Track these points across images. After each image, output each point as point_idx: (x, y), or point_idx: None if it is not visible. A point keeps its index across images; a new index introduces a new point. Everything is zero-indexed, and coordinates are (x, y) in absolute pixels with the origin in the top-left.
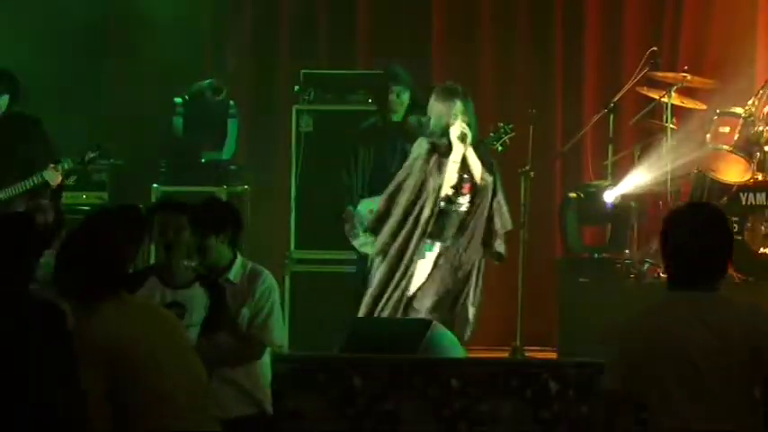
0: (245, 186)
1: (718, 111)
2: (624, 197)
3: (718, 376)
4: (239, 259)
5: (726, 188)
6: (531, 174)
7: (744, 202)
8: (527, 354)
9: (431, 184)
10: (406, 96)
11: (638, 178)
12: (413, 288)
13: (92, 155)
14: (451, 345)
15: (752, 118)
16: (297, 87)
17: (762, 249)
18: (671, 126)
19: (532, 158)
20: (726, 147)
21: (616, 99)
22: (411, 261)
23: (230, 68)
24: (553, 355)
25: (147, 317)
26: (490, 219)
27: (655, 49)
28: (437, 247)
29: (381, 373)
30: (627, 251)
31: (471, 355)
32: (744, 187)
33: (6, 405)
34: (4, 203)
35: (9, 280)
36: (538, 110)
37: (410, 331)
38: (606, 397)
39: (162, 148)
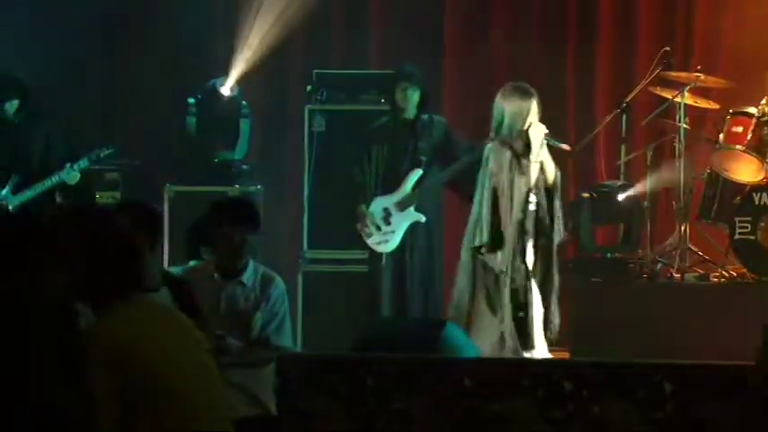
0: (258, 186)
1: (731, 110)
2: (637, 197)
3: None
4: (251, 262)
5: (739, 188)
6: None
7: (757, 202)
8: None
9: (517, 186)
10: (415, 95)
11: (651, 179)
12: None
13: (106, 151)
14: (465, 344)
15: (765, 117)
16: (309, 87)
17: None
18: (684, 126)
19: None
20: (739, 147)
21: (629, 99)
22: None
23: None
24: (566, 355)
25: (159, 318)
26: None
27: (667, 48)
28: (532, 248)
29: (393, 373)
30: (640, 251)
31: (484, 356)
32: (757, 187)
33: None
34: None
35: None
36: (550, 110)
37: (424, 331)
38: None
39: (175, 147)
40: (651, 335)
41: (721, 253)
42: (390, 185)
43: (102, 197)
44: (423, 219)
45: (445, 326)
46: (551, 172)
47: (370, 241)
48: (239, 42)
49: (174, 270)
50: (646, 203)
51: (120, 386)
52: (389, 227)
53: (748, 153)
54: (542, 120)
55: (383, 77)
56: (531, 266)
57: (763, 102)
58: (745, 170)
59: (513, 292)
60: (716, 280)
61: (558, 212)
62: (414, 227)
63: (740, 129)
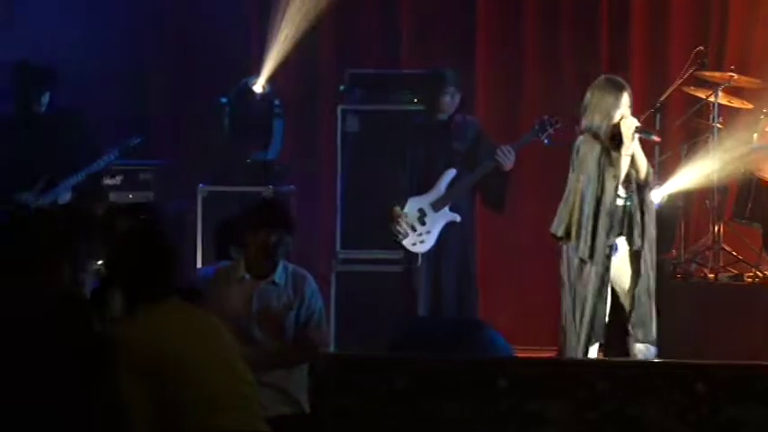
0: (291, 186)
1: (765, 110)
2: (671, 197)
3: None
4: (281, 261)
5: None
6: None
7: None
8: None
9: (607, 181)
10: (458, 98)
11: (685, 179)
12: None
13: (136, 141)
14: (499, 344)
15: None
16: (342, 87)
17: None
18: (718, 126)
19: None
20: None
21: (663, 99)
22: (606, 263)
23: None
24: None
25: (188, 320)
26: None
27: (701, 48)
28: (624, 244)
29: (427, 373)
30: (673, 251)
31: (519, 355)
32: None
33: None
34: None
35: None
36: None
37: (458, 331)
38: None
39: (207, 147)
40: (685, 335)
41: (755, 253)
42: (425, 186)
43: (136, 197)
44: (458, 219)
45: (479, 326)
46: (643, 166)
47: (405, 242)
48: (269, 39)
49: (205, 271)
50: (680, 203)
51: (151, 389)
52: (424, 227)
53: None
54: (574, 119)
55: (416, 77)
56: (619, 262)
57: None
58: None
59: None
60: (749, 280)
61: (650, 207)
62: (448, 227)
63: None
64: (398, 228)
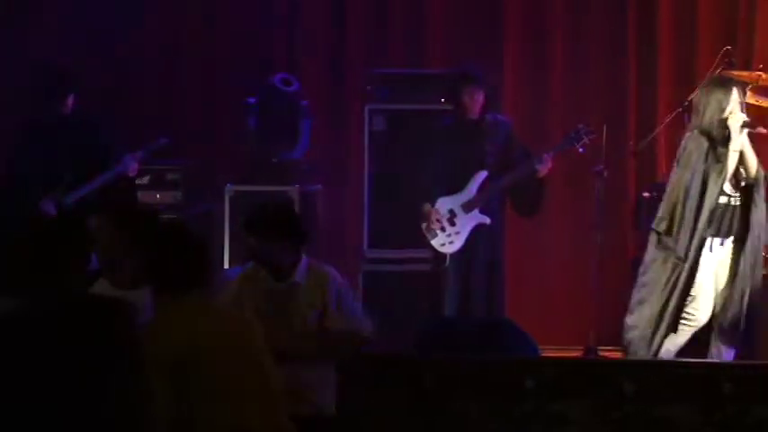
0: (318, 185)
1: None
2: None
3: None
4: (304, 259)
5: None
6: (605, 173)
7: None
8: (601, 353)
9: (713, 178)
10: (480, 96)
11: None
12: (697, 288)
13: (162, 142)
14: (526, 344)
15: None
16: (369, 86)
17: None
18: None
19: (606, 158)
20: None
21: (691, 98)
22: (698, 260)
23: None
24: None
25: (218, 317)
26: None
27: (729, 47)
28: (726, 243)
29: (453, 373)
30: None
31: (544, 355)
32: None
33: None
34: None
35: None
36: (612, 109)
37: (485, 331)
38: None
39: (235, 147)
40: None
41: None
42: (455, 186)
43: (163, 197)
44: (487, 221)
45: (507, 326)
46: (753, 164)
47: (434, 242)
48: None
49: (232, 271)
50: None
51: (178, 388)
52: (454, 228)
53: None
54: (602, 119)
55: (444, 77)
56: (718, 261)
57: None
58: None
59: (687, 280)
60: None
61: (759, 206)
62: (478, 228)
63: None
64: (429, 227)
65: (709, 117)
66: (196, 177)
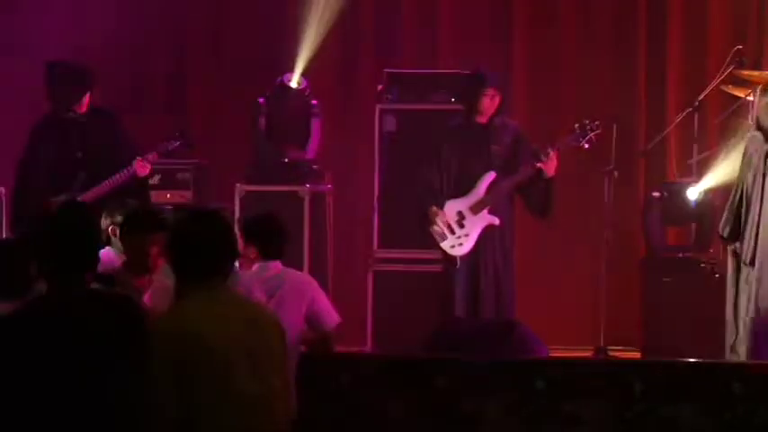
0: (329, 186)
1: None
2: (707, 193)
3: None
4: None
5: None
6: (615, 173)
7: None
8: (611, 353)
9: None
10: (498, 99)
11: (722, 172)
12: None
13: (175, 143)
14: (536, 345)
15: None
16: (380, 87)
17: None
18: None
19: (616, 158)
20: None
21: (701, 97)
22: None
23: None
24: (637, 355)
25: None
26: None
27: (740, 47)
28: None
29: (464, 374)
30: (711, 250)
31: (554, 355)
32: None
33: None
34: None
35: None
36: (621, 108)
37: (495, 331)
38: None
39: (245, 147)
40: (722, 335)
41: None
42: (463, 188)
43: (174, 196)
44: (496, 222)
45: (517, 326)
46: None
47: (444, 244)
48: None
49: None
50: (717, 202)
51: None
52: (463, 230)
53: None
54: (611, 119)
55: (454, 77)
56: None
57: None
58: None
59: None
60: None
61: None
62: (487, 229)
63: None
64: (437, 230)
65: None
66: (207, 177)
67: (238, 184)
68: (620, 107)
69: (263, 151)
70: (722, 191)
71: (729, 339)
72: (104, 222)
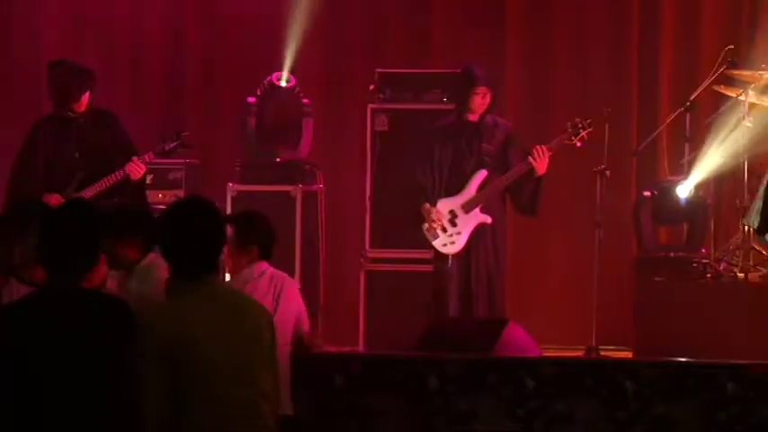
0: (320, 185)
1: None
2: (698, 188)
3: None
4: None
5: None
6: (607, 173)
7: None
8: (602, 353)
9: None
10: (489, 97)
11: (710, 165)
12: None
13: (172, 144)
14: (527, 344)
15: None
16: (372, 86)
17: None
18: (748, 124)
19: (608, 157)
20: None
21: (693, 97)
22: None
23: None
24: (629, 355)
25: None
26: None
27: (732, 47)
28: None
29: (456, 372)
30: (703, 250)
31: (546, 355)
32: None
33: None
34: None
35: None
36: (613, 108)
37: (487, 330)
38: None
39: (237, 146)
40: (714, 334)
41: None
42: (455, 186)
43: (166, 196)
44: (488, 220)
45: (508, 325)
46: None
47: (435, 243)
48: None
49: None
50: (709, 201)
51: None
52: (455, 228)
53: None
54: (607, 116)
55: (446, 77)
56: None
57: None
58: None
59: None
60: None
61: None
62: (479, 228)
63: None
64: (429, 228)
65: None
66: (199, 177)
67: (230, 184)
68: (612, 106)
69: (255, 151)
70: (713, 186)
71: None
72: None
